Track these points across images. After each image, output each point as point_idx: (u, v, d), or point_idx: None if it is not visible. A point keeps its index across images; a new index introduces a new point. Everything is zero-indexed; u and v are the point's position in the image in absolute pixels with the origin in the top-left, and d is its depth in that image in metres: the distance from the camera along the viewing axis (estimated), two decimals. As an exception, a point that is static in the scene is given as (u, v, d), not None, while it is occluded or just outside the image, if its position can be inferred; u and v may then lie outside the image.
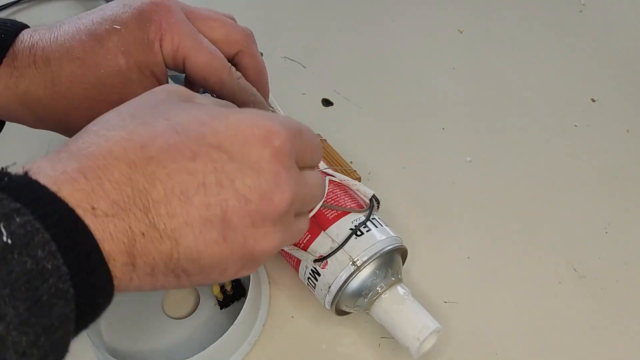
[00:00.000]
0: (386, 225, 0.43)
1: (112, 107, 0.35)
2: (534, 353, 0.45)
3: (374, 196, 0.43)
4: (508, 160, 0.56)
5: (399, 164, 0.55)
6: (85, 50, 0.37)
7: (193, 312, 0.46)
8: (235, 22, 0.42)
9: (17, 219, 0.24)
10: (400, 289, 0.41)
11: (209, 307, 0.46)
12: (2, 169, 0.27)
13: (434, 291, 0.46)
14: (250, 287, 0.43)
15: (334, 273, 0.40)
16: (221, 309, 0.46)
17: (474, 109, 0.61)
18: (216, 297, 0.46)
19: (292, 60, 0.63)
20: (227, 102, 0.35)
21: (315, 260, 0.41)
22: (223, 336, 0.41)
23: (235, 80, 0.40)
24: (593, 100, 0.62)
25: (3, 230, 0.23)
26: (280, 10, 0.69)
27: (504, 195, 0.54)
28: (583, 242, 0.51)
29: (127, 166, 0.27)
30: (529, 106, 0.61)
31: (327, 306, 0.42)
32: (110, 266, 0.26)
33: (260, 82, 0.43)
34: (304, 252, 0.42)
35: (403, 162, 0.56)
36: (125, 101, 0.35)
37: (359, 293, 0.41)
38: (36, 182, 0.26)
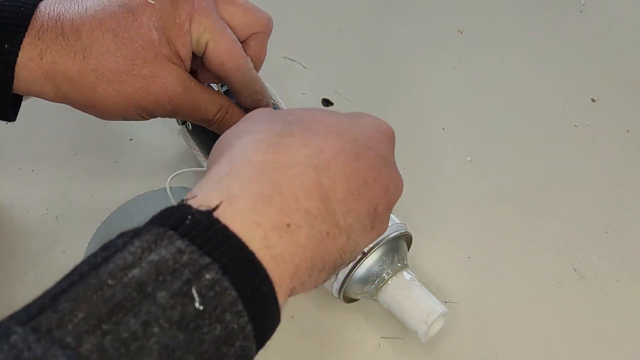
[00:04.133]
0: (391, 213, 0.43)
1: (144, 82, 0.37)
2: (534, 353, 0.45)
3: None
4: (508, 160, 0.56)
5: (399, 164, 0.55)
6: (118, 22, 0.36)
7: None
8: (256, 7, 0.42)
9: (207, 276, 0.24)
10: (406, 275, 0.41)
11: None
12: (183, 201, 0.27)
13: (434, 291, 0.46)
14: None
15: None
16: None
17: (474, 109, 0.61)
18: None
19: (292, 60, 0.63)
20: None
21: None
22: None
23: (250, 69, 0.41)
24: (593, 100, 0.62)
25: (195, 295, 0.23)
26: (280, 10, 0.68)
27: (504, 195, 0.54)
28: (583, 242, 0.51)
29: (314, 171, 0.29)
30: (529, 106, 0.61)
31: (335, 294, 0.42)
32: (280, 300, 0.27)
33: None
34: None
35: (403, 162, 0.55)
36: (155, 76, 0.37)
37: (366, 280, 0.41)
38: (223, 229, 0.26)
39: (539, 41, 0.68)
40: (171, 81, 0.37)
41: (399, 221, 0.43)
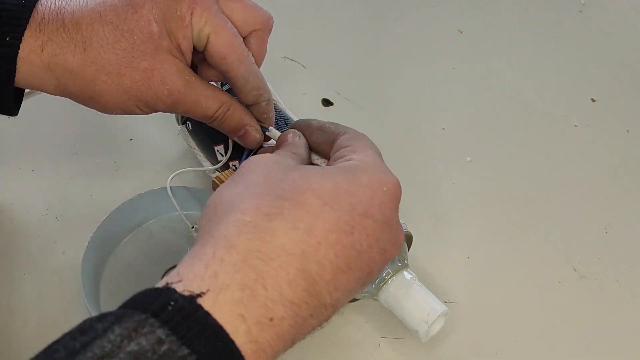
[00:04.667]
0: None
1: (143, 74, 0.36)
2: (534, 353, 0.45)
3: None
4: (508, 160, 0.56)
5: (399, 164, 0.55)
6: (118, 15, 0.36)
7: None
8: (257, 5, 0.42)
9: None
10: (406, 274, 0.41)
11: None
12: (168, 284, 0.26)
13: (434, 291, 0.46)
14: None
15: None
16: None
17: (474, 109, 0.61)
18: None
19: (292, 60, 0.63)
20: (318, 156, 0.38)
21: None
22: None
23: (252, 63, 0.40)
24: (593, 100, 0.62)
25: None
26: (280, 10, 0.68)
27: (504, 195, 0.54)
28: (583, 242, 0.51)
29: (300, 259, 0.28)
30: (529, 106, 0.61)
31: None
32: None
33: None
34: None
35: (403, 162, 0.56)
36: (155, 69, 0.36)
37: None
38: (206, 316, 0.25)
39: (539, 41, 0.68)
40: (171, 74, 0.37)
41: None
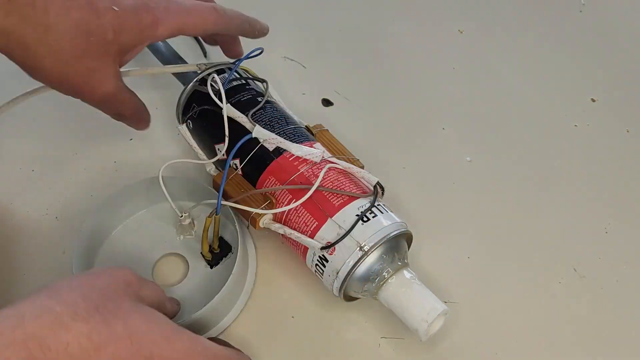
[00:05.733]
0: (391, 212, 0.44)
1: (87, 71, 0.41)
2: (534, 353, 0.45)
3: (378, 183, 0.44)
4: (508, 160, 0.56)
5: (399, 164, 0.55)
6: (82, 16, 0.40)
7: (184, 278, 0.46)
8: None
9: None
10: (406, 273, 0.41)
11: (199, 271, 0.47)
12: None
13: (434, 291, 0.46)
14: (239, 242, 0.44)
15: (342, 259, 0.41)
16: (212, 267, 0.47)
17: (474, 109, 0.61)
18: (204, 256, 0.46)
19: (292, 60, 0.63)
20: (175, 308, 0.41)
21: (323, 248, 0.42)
22: (223, 288, 0.42)
23: (224, 15, 0.46)
24: (593, 100, 0.62)
25: None
26: (280, 10, 0.69)
27: (504, 195, 0.54)
28: (583, 242, 0.51)
29: None
30: (529, 106, 0.61)
31: (336, 292, 0.43)
32: None
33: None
34: (312, 239, 0.42)
35: (403, 162, 0.56)
36: (98, 69, 0.41)
37: (367, 278, 0.41)
38: None
39: (539, 41, 0.68)
40: (109, 78, 0.42)
41: (399, 220, 0.43)
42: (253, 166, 0.46)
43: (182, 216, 0.47)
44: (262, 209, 0.44)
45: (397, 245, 0.42)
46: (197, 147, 0.50)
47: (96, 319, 0.31)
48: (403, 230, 0.42)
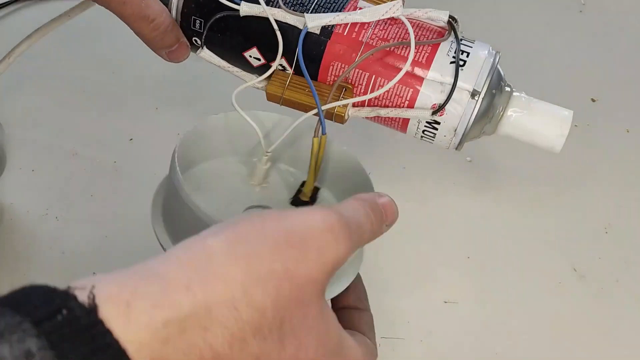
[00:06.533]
0: (474, 39, 0.40)
1: None
2: (534, 353, 0.45)
3: (450, 17, 0.40)
4: (508, 160, 0.56)
5: (399, 164, 0.55)
6: None
7: None
8: None
9: None
10: (520, 96, 0.38)
11: None
12: (69, 288, 0.21)
13: (434, 291, 0.46)
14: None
15: (456, 115, 0.37)
16: None
17: (474, 109, 0.61)
18: (301, 198, 0.40)
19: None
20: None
21: (434, 112, 0.37)
22: None
23: None
24: (593, 100, 0.62)
25: None
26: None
27: (504, 195, 0.54)
28: (583, 242, 0.51)
29: None
30: (529, 106, 0.61)
31: (453, 148, 0.39)
32: None
33: None
34: (414, 109, 0.38)
35: (403, 162, 0.56)
36: None
37: (483, 120, 0.38)
38: (104, 333, 0.20)
39: (539, 41, 0.68)
40: None
41: (487, 44, 0.40)
42: (306, 59, 0.37)
43: (268, 153, 0.39)
44: (355, 95, 0.38)
45: (499, 70, 0.39)
46: (228, 65, 0.41)
47: (274, 339, 0.24)
48: (498, 53, 0.39)
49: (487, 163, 0.56)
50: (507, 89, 0.38)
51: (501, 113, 0.38)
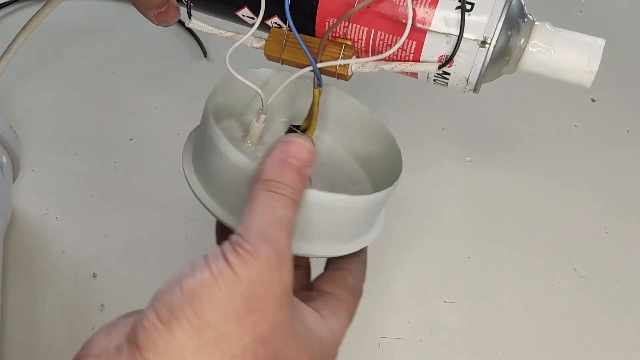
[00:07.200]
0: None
1: None
2: (534, 353, 0.45)
3: None
4: (508, 160, 0.56)
5: (399, 164, 0.55)
6: None
7: None
8: None
9: None
10: (543, 27, 0.34)
11: None
12: None
13: (434, 291, 0.46)
14: None
15: (467, 65, 0.34)
16: None
17: (474, 109, 0.61)
18: None
19: (292, 60, 0.63)
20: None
21: (441, 66, 0.34)
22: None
23: None
24: (593, 100, 0.62)
25: None
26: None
27: (504, 195, 0.54)
28: (583, 242, 0.51)
29: None
30: (528, 106, 0.61)
31: (469, 92, 0.36)
32: None
33: None
34: (420, 63, 0.35)
35: (403, 162, 0.55)
36: None
37: (500, 63, 0.35)
38: None
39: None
40: None
41: None
42: (300, 16, 0.35)
43: (262, 108, 0.37)
44: (357, 50, 0.36)
45: (515, 5, 0.33)
46: (224, 31, 0.39)
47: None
48: None
49: (487, 163, 0.56)
50: (527, 20, 0.34)
51: (521, 51, 0.34)
